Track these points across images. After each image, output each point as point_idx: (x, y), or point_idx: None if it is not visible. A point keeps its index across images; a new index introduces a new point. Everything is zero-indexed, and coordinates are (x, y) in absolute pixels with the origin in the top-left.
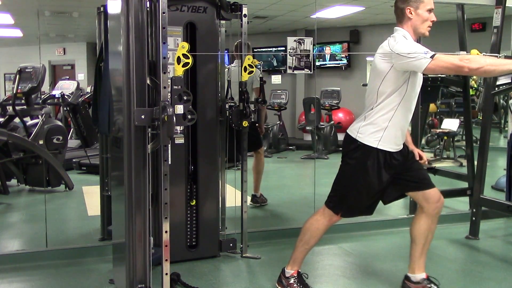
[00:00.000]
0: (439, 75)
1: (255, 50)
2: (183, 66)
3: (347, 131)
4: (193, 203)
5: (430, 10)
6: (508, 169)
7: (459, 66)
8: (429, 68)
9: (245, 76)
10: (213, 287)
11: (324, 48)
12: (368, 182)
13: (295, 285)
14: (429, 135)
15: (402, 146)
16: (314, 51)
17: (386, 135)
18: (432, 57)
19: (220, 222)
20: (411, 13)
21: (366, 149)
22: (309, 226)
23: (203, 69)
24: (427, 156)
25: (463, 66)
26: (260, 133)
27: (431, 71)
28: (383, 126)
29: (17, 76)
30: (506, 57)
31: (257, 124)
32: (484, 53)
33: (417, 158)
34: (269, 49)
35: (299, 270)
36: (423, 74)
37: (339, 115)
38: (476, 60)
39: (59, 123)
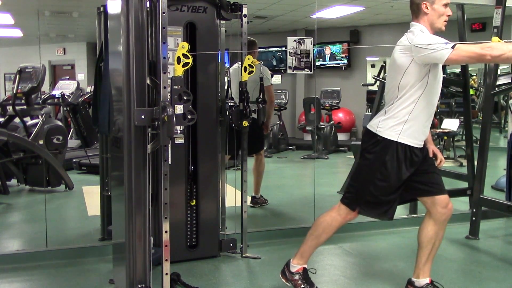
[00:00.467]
0: None
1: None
2: (183, 66)
3: (367, 126)
4: (193, 203)
5: (446, 5)
6: (508, 169)
7: (481, 54)
8: (450, 58)
9: (245, 76)
10: (213, 287)
11: (324, 48)
12: (385, 176)
13: (299, 282)
14: None
15: (423, 143)
16: (314, 51)
17: (406, 128)
18: (453, 47)
19: (220, 222)
20: (427, 8)
21: (385, 143)
22: (322, 222)
23: (203, 69)
24: None
25: (485, 54)
26: (265, 132)
27: (453, 61)
28: (403, 120)
29: (17, 76)
30: None
31: (263, 124)
32: (506, 40)
33: (430, 155)
34: (270, 49)
35: (305, 267)
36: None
37: (339, 115)
38: (497, 47)
39: (59, 123)
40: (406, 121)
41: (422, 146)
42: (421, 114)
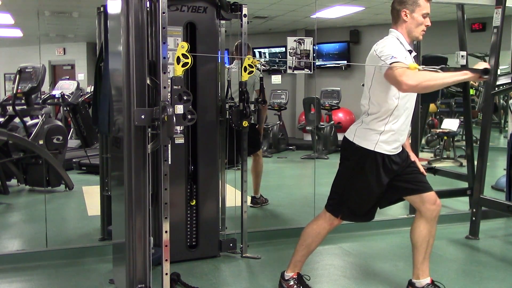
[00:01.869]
0: None
1: (254, 50)
2: (182, 66)
3: (345, 134)
4: (193, 203)
5: (425, 15)
6: (508, 169)
7: (398, 81)
8: (384, 74)
9: (245, 76)
10: (213, 287)
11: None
12: (366, 184)
13: (295, 287)
14: (429, 135)
15: (400, 149)
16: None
17: (383, 138)
18: (391, 64)
19: (220, 222)
20: (406, 16)
21: (363, 152)
22: (310, 231)
23: (203, 69)
24: (427, 156)
25: (401, 82)
26: (259, 134)
27: (386, 76)
28: (379, 130)
29: (17, 76)
30: (444, 69)
31: (256, 126)
32: (423, 66)
33: (412, 159)
34: (267, 49)
35: (300, 272)
36: None
37: (339, 115)
38: (413, 77)
39: (59, 123)
40: (382, 132)
41: (399, 151)
42: (397, 124)
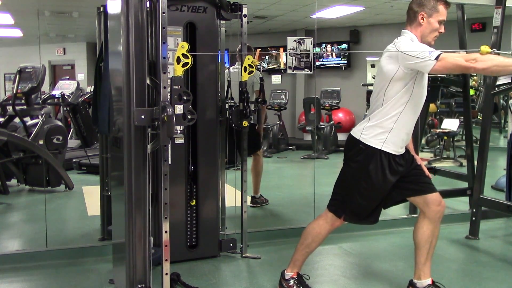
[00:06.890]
0: (439, 75)
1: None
2: (182, 66)
3: (351, 132)
4: (193, 203)
5: (441, 22)
6: (508, 169)
7: (465, 67)
8: (435, 69)
9: (245, 76)
10: (213, 287)
11: (325, 46)
12: (370, 185)
13: (294, 287)
14: (429, 135)
15: (404, 150)
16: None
17: (390, 137)
18: (437, 57)
19: (220, 222)
20: (422, 19)
21: (369, 152)
22: (311, 231)
23: (203, 69)
24: (427, 156)
25: (469, 67)
26: (259, 134)
27: (438, 71)
28: (388, 128)
29: (17, 76)
30: None
31: (256, 127)
32: (495, 50)
33: (418, 163)
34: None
35: (299, 272)
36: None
37: (339, 115)
38: (482, 60)
39: (59, 123)
40: (391, 130)
41: (403, 152)
42: (406, 123)
